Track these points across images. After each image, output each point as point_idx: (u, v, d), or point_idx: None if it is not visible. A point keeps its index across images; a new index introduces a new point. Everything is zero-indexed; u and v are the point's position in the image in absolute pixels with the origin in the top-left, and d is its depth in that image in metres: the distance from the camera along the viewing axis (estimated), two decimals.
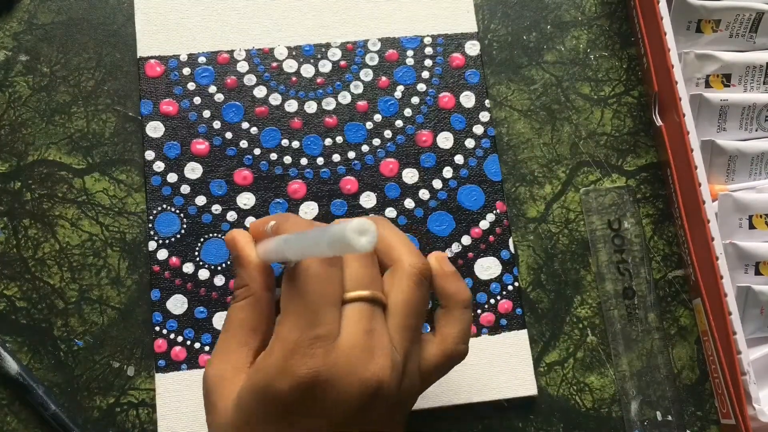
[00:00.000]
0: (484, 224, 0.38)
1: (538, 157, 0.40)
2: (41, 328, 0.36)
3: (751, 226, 0.38)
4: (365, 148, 0.38)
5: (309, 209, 0.38)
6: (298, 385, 0.25)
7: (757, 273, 0.37)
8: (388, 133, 0.39)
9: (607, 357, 0.37)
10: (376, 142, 0.39)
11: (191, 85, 0.38)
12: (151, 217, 0.37)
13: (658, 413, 0.36)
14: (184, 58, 0.39)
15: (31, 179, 0.37)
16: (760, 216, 0.38)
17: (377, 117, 0.39)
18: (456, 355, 0.30)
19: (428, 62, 0.40)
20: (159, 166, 0.37)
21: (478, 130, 0.39)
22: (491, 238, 0.38)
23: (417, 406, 0.35)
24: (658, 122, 0.39)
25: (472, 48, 0.40)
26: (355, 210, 0.38)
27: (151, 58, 0.39)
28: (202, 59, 0.39)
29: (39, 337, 0.36)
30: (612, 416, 0.37)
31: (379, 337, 0.27)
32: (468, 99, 0.39)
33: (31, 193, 0.37)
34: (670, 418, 0.36)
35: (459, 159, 0.39)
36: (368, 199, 0.38)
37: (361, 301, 0.27)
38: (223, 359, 0.29)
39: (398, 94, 0.39)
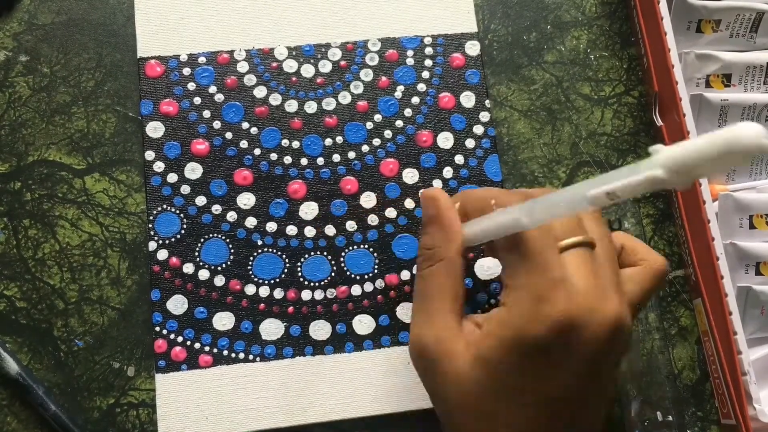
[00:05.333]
0: None
1: (538, 157, 0.39)
2: (41, 328, 0.36)
3: (752, 226, 0.38)
4: (365, 148, 0.38)
5: (309, 209, 0.38)
6: (555, 327, 0.26)
7: (758, 273, 0.37)
8: (388, 133, 0.39)
9: None
10: (377, 142, 0.39)
11: (191, 85, 0.38)
12: (151, 218, 0.37)
13: (658, 413, 0.36)
14: (184, 58, 0.39)
15: (31, 179, 0.37)
16: (761, 216, 0.38)
17: (377, 117, 0.39)
18: (665, 273, 0.31)
19: (428, 62, 0.40)
20: (159, 166, 0.37)
21: (478, 130, 0.39)
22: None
23: (417, 407, 0.35)
24: (659, 122, 0.39)
25: (473, 48, 0.40)
26: (355, 210, 0.38)
27: (152, 58, 0.39)
28: (202, 59, 0.39)
29: (39, 338, 0.36)
30: (612, 416, 0.37)
31: (605, 278, 0.28)
32: (468, 99, 0.39)
33: (31, 193, 0.37)
34: (670, 418, 0.36)
35: (459, 159, 0.39)
36: (368, 199, 0.38)
37: (579, 246, 0.28)
38: (434, 327, 0.29)
39: (398, 94, 0.39)
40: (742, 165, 0.19)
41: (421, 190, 0.32)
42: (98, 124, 0.38)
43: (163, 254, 0.37)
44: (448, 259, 0.30)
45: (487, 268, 0.37)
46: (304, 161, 0.38)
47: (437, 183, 0.38)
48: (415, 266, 0.37)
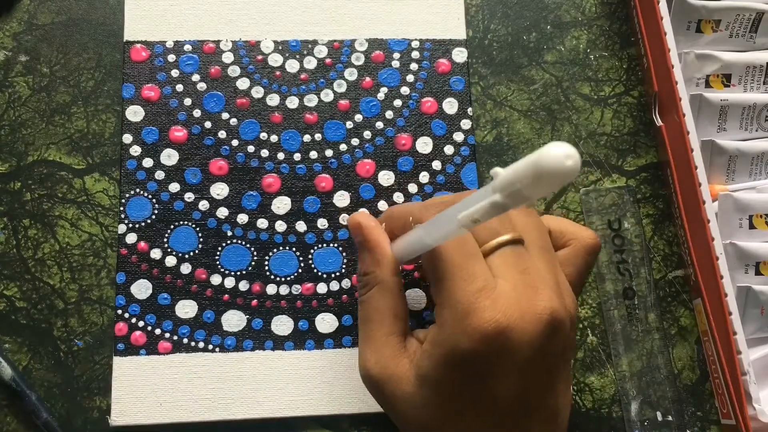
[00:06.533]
0: None
1: None
2: (41, 328, 0.36)
3: (752, 226, 0.38)
4: (343, 147, 0.38)
5: (282, 204, 0.37)
6: (483, 339, 0.26)
7: (758, 273, 0.37)
8: (367, 134, 0.39)
9: (607, 357, 0.37)
10: (355, 141, 0.38)
11: (175, 72, 0.39)
12: (123, 201, 0.37)
13: (658, 413, 0.36)
14: (170, 44, 0.39)
15: (31, 179, 0.37)
16: (761, 216, 0.38)
17: (358, 117, 0.39)
18: (596, 247, 0.31)
19: (414, 66, 0.40)
20: (135, 150, 0.38)
21: (458, 137, 0.39)
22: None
23: (375, 410, 0.35)
24: (658, 122, 0.39)
25: (459, 55, 0.40)
26: (328, 208, 0.38)
27: (138, 42, 0.39)
28: (187, 47, 0.39)
29: (39, 338, 0.36)
30: (612, 416, 0.37)
31: (535, 273, 0.27)
32: (451, 106, 0.39)
33: (31, 193, 0.37)
34: (670, 418, 0.36)
35: (437, 165, 0.39)
36: (342, 198, 0.38)
37: (503, 246, 0.27)
38: (377, 352, 0.29)
39: (381, 95, 0.39)
40: (563, 184, 0.19)
41: (348, 217, 0.31)
42: (98, 124, 0.38)
43: (131, 238, 0.37)
44: (382, 282, 0.30)
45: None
46: (280, 156, 0.38)
47: (413, 187, 0.38)
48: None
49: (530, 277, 0.27)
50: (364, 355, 0.30)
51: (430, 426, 0.28)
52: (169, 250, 0.37)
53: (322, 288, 0.37)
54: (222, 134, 0.38)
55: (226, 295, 0.36)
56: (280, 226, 0.37)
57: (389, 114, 0.39)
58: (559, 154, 0.19)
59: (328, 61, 0.39)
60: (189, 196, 0.37)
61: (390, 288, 0.30)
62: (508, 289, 0.26)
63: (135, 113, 0.38)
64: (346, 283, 0.37)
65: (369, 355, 0.29)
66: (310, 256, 0.37)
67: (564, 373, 0.29)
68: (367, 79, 0.39)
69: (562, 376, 0.29)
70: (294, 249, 0.37)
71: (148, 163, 0.37)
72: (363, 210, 0.38)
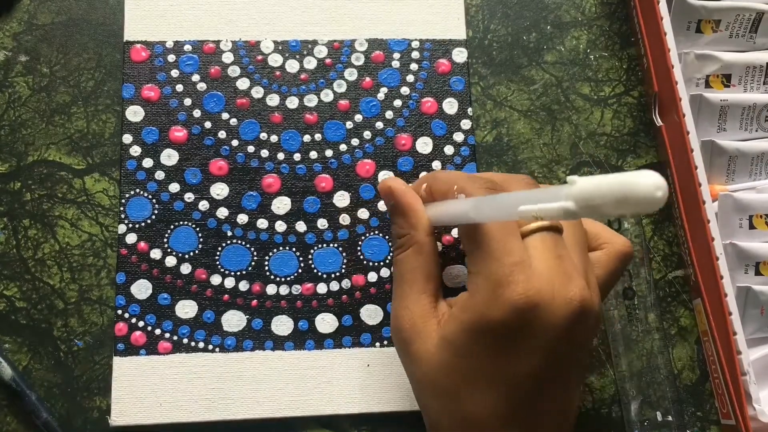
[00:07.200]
0: (455, 231, 0.38)
1: (538, 158, 0.39)
2: (41, 328, 0.36)
3: (752, 226, 0.38)
4: (343, 147, 0.38)
5: (282, 204, 0.37)
6: (513, 310, 0.26)
7: (757, 273, 0.37)
8: (367, 134, 0.39)
9: (607, 357, 0.37)
10: (355, 142, 0.38)
11: (175, 72, 0.38)
12: (123, 201, 0.37)
13: (658, 413, 0.36)
14: (170, 44, 0.39)
15: (31, 179, 0.37)
16: (761, 216, 0.38)
17: (358, 117, 0.39)
18: (629, 255, 0.31)
19: (414, 66, 0.40)
20: (135, 150, 0.38)
21: (458, 137, 0.39)
22: (462, 246, 0.37)
23: (374, 410, 0.35)
24: (658, 122, 0.39)
25: (460, 55, 0.40)
26: (328, 208, 0.38)
27: (138, 42, 0.39)
28: (187, 47, 0.39)
29: (39, 338, 0.36)
30: (612, 416, 0.37)
31: (569, 262, 0.28)
32: (451, 106, 0.39)
33: (31, 193, 0.37)
34: (670, 418, 0.36)
35: (437, 165, 0.39)
36: (342, 199, 0.38)
37: (542, 231, 0.28)
38: (408, 309, 0.30)
39: (381, 95, 0.39)
40: (646, 212, 0.19)
41: (379, 182, 0.32)
42: (98, 124, 0.38)
43: (131, 238, 0.37)
44: (417, 243, 0.30)
45: (455, 276, 0.37)
46: (280, 156, 0.38)
47: None
48: (383, 269, 0.37)
49: (565, 264, 0.27)
50: (396, 313, 0.30)
51: (444, 390, 0.28)
52: (169, 250, 0.37)
53: (322, 288, 0.37)
54: (222, 134, 0.38)
55: (226, 295, 0.36)
56: (280, 226, 0.37)
57: (389, 114, 0.39)
58: (650, 184, 0.19)
59: (328, 61, 0.39)
60: (189, 196, 0.37)
61: (424, 249, 0.30)
62: (543, 269, 0.27)
63: (135, 113, 0.38)
64: (346, 283, 0.37)
65: (401, 312, 0.30)
66: (310, 257, 0.37)
67: (580, 368, 0.29)
68: (367, 79, 0.39)
69: (578, 371, 0.29)
70: (294, 249, 0.37)
71: (148, 163, 0.37)
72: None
